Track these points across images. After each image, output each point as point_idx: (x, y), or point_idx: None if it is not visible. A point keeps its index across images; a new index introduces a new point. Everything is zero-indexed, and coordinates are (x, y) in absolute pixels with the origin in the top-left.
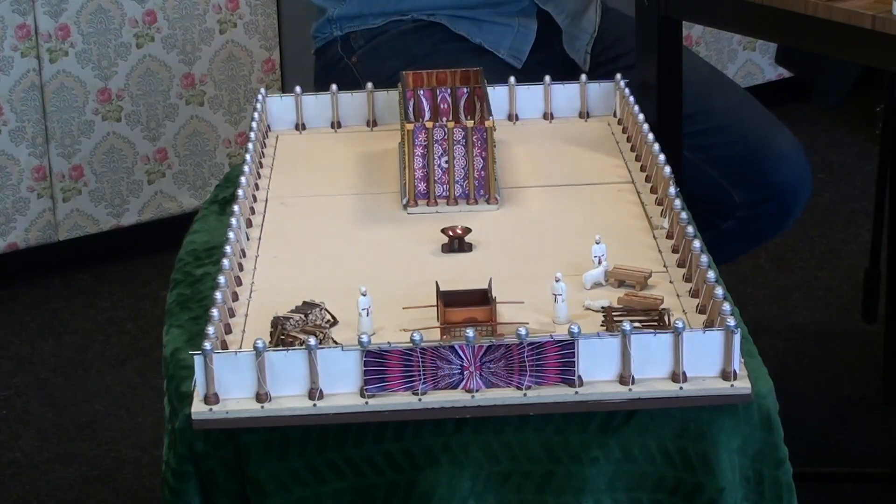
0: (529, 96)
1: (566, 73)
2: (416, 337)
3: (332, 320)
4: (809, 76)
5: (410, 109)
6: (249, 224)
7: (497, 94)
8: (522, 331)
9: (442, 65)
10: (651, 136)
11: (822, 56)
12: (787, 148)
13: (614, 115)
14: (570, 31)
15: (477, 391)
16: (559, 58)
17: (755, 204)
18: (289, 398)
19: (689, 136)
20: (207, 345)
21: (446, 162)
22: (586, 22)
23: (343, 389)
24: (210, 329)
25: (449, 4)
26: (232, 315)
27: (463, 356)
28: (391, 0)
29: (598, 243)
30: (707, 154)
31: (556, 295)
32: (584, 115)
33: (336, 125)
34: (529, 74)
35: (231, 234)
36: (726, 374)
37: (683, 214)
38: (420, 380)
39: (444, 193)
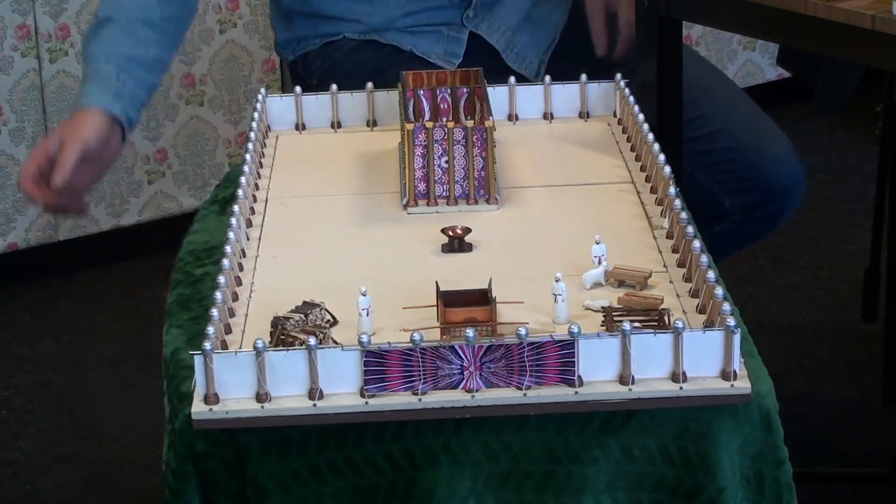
0: (529, 96)
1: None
2: (416, 337)
3: (332, 320)
4: (810, 80)
5: (410, 109)
6: (249, 224)
7: (497, 94)
8: (522, 331)
9: (396, 76)
10: (651, 136)
11: (824, 60)
12: (779, 150)
13: (614, 115)
14: (512, 45)
15: (477, 391)
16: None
17: (748, 207)
18: (289, 398)
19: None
20: (207, 345)
21: (446, 162)
22: (546, 28)
23: (343, 389)
24: (210, 329)
25: (374, 28)
26: (232, 315)
27: (463, 356)
28: (329, 24)
29: (598, 243)
30: (698, 161)
31: (556, 295)
32: (584, 115)
33: (336, 125)
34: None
35: (231, 234)
36: (726, 374)
37: (683, 214)
38: (420, 380)
39: (444, 193)
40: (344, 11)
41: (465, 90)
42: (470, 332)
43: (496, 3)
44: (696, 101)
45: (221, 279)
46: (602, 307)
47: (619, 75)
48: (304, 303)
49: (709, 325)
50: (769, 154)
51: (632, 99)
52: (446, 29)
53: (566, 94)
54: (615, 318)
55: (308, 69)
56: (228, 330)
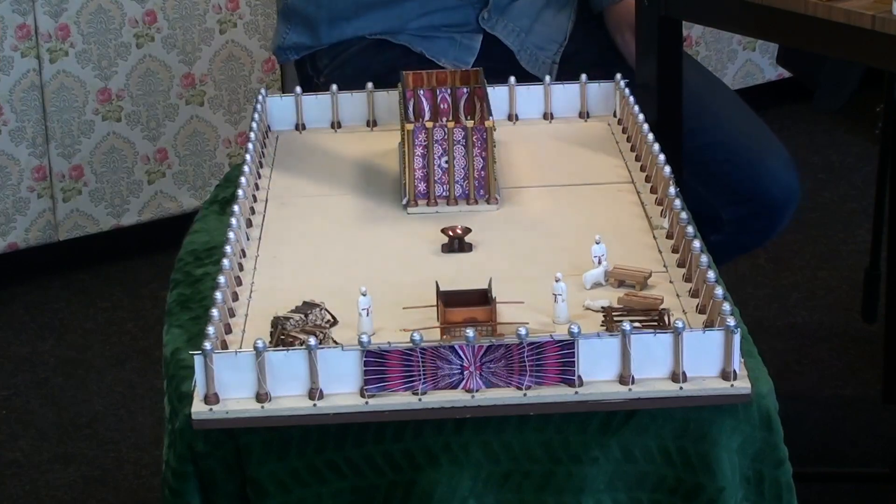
0: (529, 96)
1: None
2: (416, 337)
3: (332, 320)
4: (810, 80)
5: (410, 109)
6: (249, 224)
7: (497, 94)
8: (522, 331)
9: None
10: (651, 136)
11: (824, 60)
12: (777, 163)
13: (614, 115)
14: (525, 46)
15: (477, 391)
16: (522, 69)
17: (742, 219)
18: (289, 398)
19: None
20: (207, 345)
21: (446, 162)
22: (554, 29)
23: (343, 389)
24: (210, 329)
25: (390, 30)
26: (232, 315)
27: (463, 356)
28: (334, 32)
29: (598, 243)
30: (697, 172)
31: (556, 295)
32: (584, 115)
33: (336, 125)
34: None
35: (231, 234)
36: (726, 374)
37: (683, 214)
38: (420, 380)
39: (444, 193)
40: (358, 12)
41: (465, 90)
42: (470, 332)
43: (510, 5)
44: (695, 112)
45: (221, 279)
46: (602, 307)
47: (618, 75)
48: (304, 303)
49: (709, 325)
50: (766, 168)
51: (632, 99)
52: (459, 35)
53: (566, 94)
54: (615, 318)
55: (315, 67)
56: (228, 330)
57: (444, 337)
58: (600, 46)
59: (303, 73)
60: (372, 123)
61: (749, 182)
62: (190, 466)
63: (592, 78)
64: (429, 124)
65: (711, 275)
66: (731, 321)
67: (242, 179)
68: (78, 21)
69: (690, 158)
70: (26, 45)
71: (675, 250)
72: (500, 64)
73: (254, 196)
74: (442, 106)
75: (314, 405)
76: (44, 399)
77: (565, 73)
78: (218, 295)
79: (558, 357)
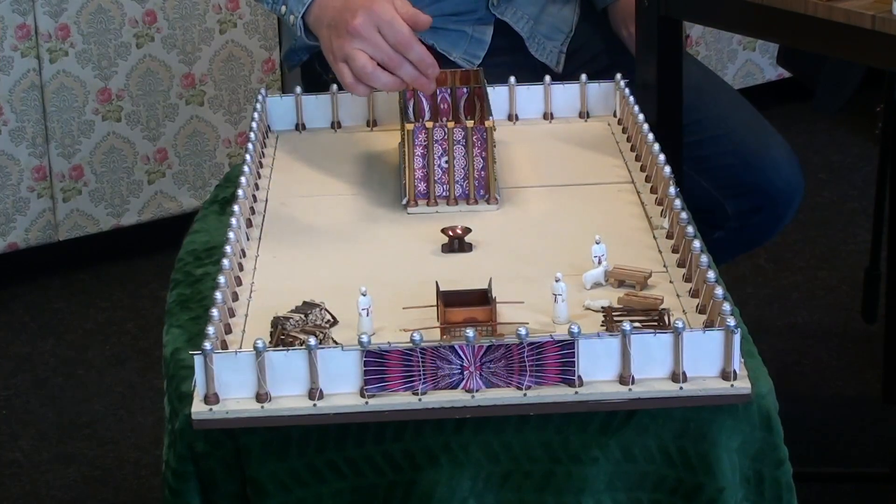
0: (529, 96)
1: (536, 75)
2: (416, 337)
3: (332, 320)
4: (810, 80)
5: (410, 109)
6: (249, 224)
7: (497, 94)
8: (522, 331)
9: None
10: (651, 136)
11: (824, 60)
12: (780, 156)
13: (614, 115)
14: (534, 34)
15: (477, 391)
16: (530, 60)
17: (746, 213)
18: (289, 398)
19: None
20: (207, 345)
21: (446, 162)
22: (560, 21)
23: (343, 389)
24: (210, 329)
25: None
26: (232, 315)
27: (463, 356)
28: None
29: (598, 243)
30: (700, 165)
31: (556, 295)
32: (584, 115)
33: (336, 125)
34: (498, 78)
35: (231, 234)
36: (726, 374)
37: (683, 214)
38: (420, 380)
39: (444, 193)
40: None
41: (465, 90)
42: (470, 332)
43: None
44: (696, 105)
45: (221, 279)
46: (602, 307)
47: (619, 75)
48: (304, 303)
49: (709, 325)
50: (769, 159)
51: (632, 99)
52: (470, 28)
53: (566, 94)
54: (615, 318)
55: (323, 64)
56: (228, 330)
57: (444, 337)
58: (606, 41)
59: (310, 71)
60: (372, 123)
61: (752, 173)
62: (190, 466)
63: (600, 71)
64: (429, 124)
65: (711, 275)
66: (731, 321)
67: (242, 179)
68: (78, 21)
69: (693, 152)
70: (26, 45)
71: (675, 250)
72: (508, 56)
73: (254, 196)
74: (442, 106)
75: (314, 405)
76: (44, 399)
77: (572, 67)
78: (218, 295)
79: (558, 357)
